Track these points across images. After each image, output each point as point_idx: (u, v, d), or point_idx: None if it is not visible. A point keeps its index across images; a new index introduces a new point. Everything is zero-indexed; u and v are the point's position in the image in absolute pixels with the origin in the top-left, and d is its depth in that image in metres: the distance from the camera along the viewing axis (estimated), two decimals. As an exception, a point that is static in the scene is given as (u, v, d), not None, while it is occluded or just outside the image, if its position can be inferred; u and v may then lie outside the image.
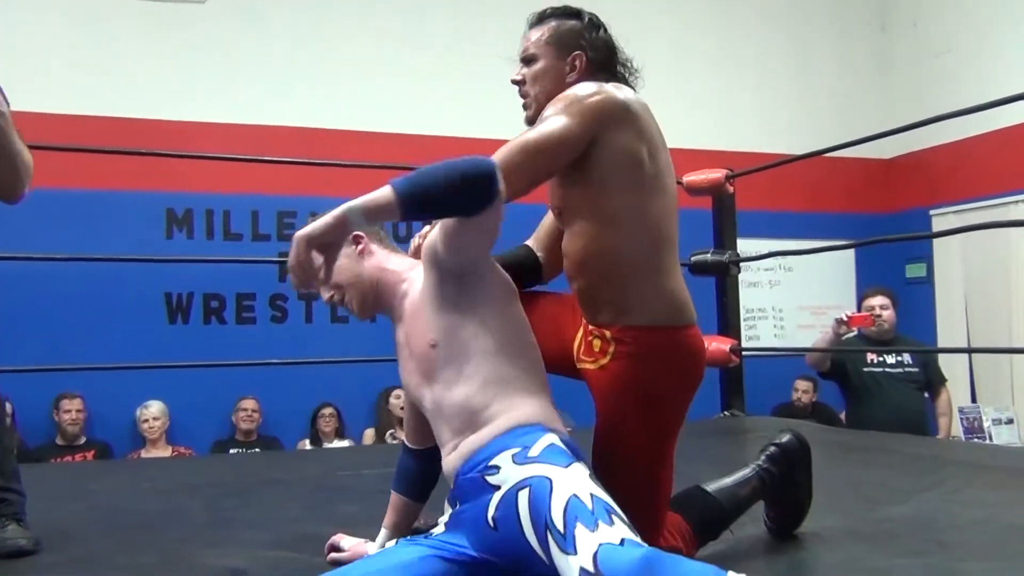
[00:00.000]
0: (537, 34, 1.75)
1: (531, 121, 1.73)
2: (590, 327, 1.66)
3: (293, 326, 5.40)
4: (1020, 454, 3.98)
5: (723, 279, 3.88)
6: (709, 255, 3.73)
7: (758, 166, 4.20)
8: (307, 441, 5.17)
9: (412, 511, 1.80)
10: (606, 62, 1.74)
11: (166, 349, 4.95)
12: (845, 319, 4.01)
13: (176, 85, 5.24)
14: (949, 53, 6.40)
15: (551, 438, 1.44)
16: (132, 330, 4.93)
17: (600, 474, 1.46)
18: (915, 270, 6.52)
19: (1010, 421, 5.60)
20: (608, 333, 1.61)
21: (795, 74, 6.72)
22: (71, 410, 4.73)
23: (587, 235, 1.62)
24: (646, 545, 1.21)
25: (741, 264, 3.87)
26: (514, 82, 1.78)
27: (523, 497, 1.34)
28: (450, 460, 1.53)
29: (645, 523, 1.44)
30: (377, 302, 1.68)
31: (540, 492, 1.33)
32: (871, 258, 6.57)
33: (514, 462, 1.41)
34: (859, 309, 4.29)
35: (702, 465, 2.30)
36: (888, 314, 4.17)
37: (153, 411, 4.91)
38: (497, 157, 1.49)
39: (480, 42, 5.44)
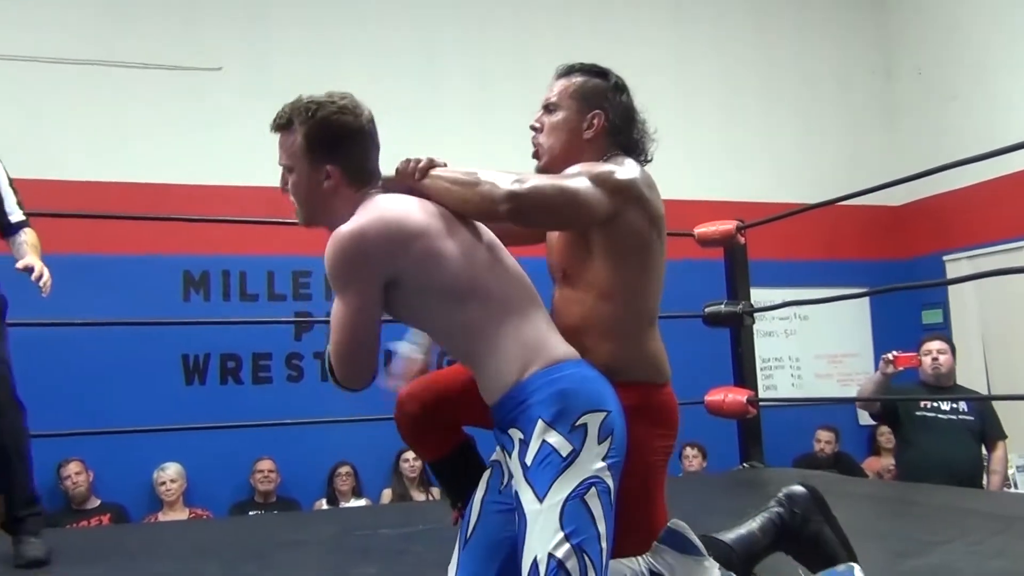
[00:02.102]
0: (563, 85, 1.81)
1: (539, 169, 1.79)
2: None
3: (309, 385, 5.40)
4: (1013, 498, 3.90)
5: (737, 330, 3.87)
6: (723, 306, 3.74)
7: (768, 217, 4.22)
8: (324, 501, 5.14)
9: None
10: (624, 127, 1.80)
11: (183, 410, 4.97)
12: (892, 358, 3.97)
13: (192, 150, 5.35)
14: (955, 100, 6.45)
15: (544, 431, 1.48)
16: (149, 391, 4.95)
17: None
18: (931, 316, 6.48)
19: (1037, 468, 5.49)
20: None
21: (803, 123, 6.78)
22: (70, 474, 4.70)
23: (585, 304, 1.68)
24: None
25: (755, 314, 3.87)
26: (532, 128, 1.83)
27: (519, 517, 1.50)
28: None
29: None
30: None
31: (521, 530, 1.48)
32: (887, 305, 6.55)
33: (519, 448, 1.52)
34: (918, 354, 4.22)
35: (721, 518, 2.27)
36: (945, 359, 4.10)
37: (170, 473, 4.91)
38: (530, 182, 1.55)
39: (494, 107, 5.57)
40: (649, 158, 1.84)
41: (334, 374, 1.59)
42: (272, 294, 5.43)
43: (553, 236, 1.79)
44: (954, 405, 4.07)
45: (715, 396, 3.59)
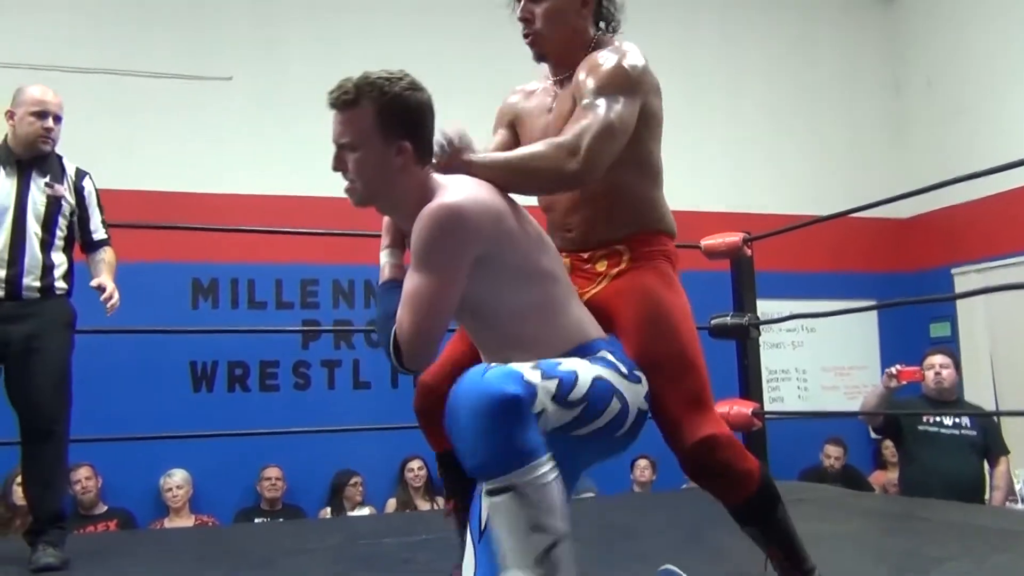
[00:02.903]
0: None
1: (541, 57, 1.90)
2: (588, 255, 1.86)
3: (316, 393, 5.43)
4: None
5: (743, 342, 3.87)
6: (729, 318, 3.74)
7: (775, 229, 4.23)
8: (328, 509, 5.15)
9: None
10: (605, 9, 1.94)
11: (191, 417, 4.98)
12: (895, 372, 3.96)
13: (203, 158, 5.38)
14: (965, 112, 6.45)
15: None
16: (158, 398, 4.98)
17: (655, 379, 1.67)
18: (939, 329, 6.46)
19: (1043, 483, 5.47)
20: (621, 246, 1.84)
21: (811, 135, 6.78)
22: (80, 479, 4.71)
23: (606, 179, 1.76)
24: None
25: (762, 326, 3.87)
26: (523, 20, 1.87)
27: None
28: None
29: (707, 406, 1.74)
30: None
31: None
32: (894, 318, 6.54)
33: None
34: (921, 367, 4.21)
35: (724, 531, 2.28)
36: (948, 373, 4.08)
37: (177, 480, 4.93)
38: (585, 141, 1.66)
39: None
40: (617, 25, 1.97)
41: (399, 353, 1.53)
42: (280, 302, 5.46)
43: None
44: (957, 420, 4.06)
45: (720, 409, 3.58)
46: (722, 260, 3.91)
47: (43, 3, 5.30)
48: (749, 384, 3.87)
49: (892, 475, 5.68)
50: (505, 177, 1.64)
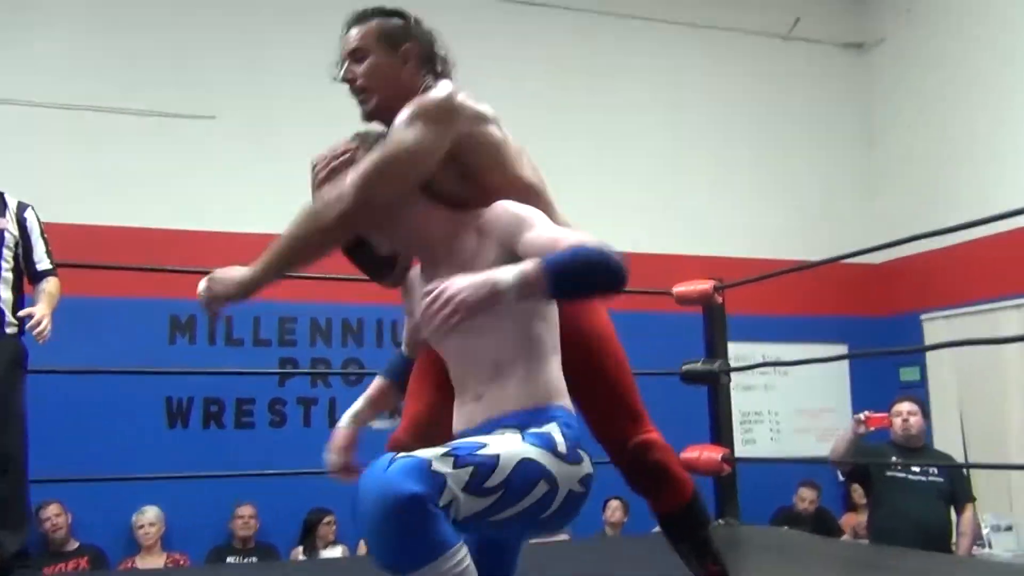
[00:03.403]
0: (363, 30, 1.83)
1: (372, 114, 1.83)
2: None
3: (292, 431, 5.44)
4: (1011, 570, 3.95)
5: (714, 388, 3.94)
6: (700, 364, 3.80)
7: (747, 277, 4.31)
8: (300, 548, 5.13)
9: (391, 395, 1.93)
10: (433, 55, 1.86)
11: (165, 453, 4.98)
12: (863, 418, 4.04)
13: (186, 195, 5.43)
14: (934, 162, 6.62)
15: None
16: (132, 434, 4.98)
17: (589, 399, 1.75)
18: (909, 374, 6.57)
19: (1009, 528, 5.54)
20: None
21: (787, 183, 6.92)
22: (49, 516, 4.67)
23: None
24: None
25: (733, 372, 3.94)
26: (347, 81, 1.84)
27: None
28: (468, 410, 1.65)
29: (640, 415, 1.86)
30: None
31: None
32: (865, 362, 6.64)
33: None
34: (889, 414, 4.30)
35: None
36: (916, 420, 4.16)
37: (149, 517, 4.91)
38: (352, 179, 1.65)
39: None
40: (448, 70, 1.90)
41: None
42: (257, 339, 5.48)
43: None
44: (924, 466, 4.14)
45: (690, 454, 3.64)
46: (694, 306, 3.99)
47: (26, 39, 5.36)
48: (720, 429, 3.93)
49: (862, 517, 5.74)
50: (279, 262, 1.69)
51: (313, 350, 5.55)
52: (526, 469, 1.46)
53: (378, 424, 1.86)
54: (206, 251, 5.14)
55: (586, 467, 1.55)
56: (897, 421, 4.15)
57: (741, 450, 5.34)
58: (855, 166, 7.18)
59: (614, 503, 5.55)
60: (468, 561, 1.38)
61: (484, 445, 1.45)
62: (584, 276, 1.52)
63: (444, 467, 1.38)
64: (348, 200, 1.64)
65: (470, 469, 1.40)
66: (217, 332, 5.41)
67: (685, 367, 3.78)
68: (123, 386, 4.92)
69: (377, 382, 1.97)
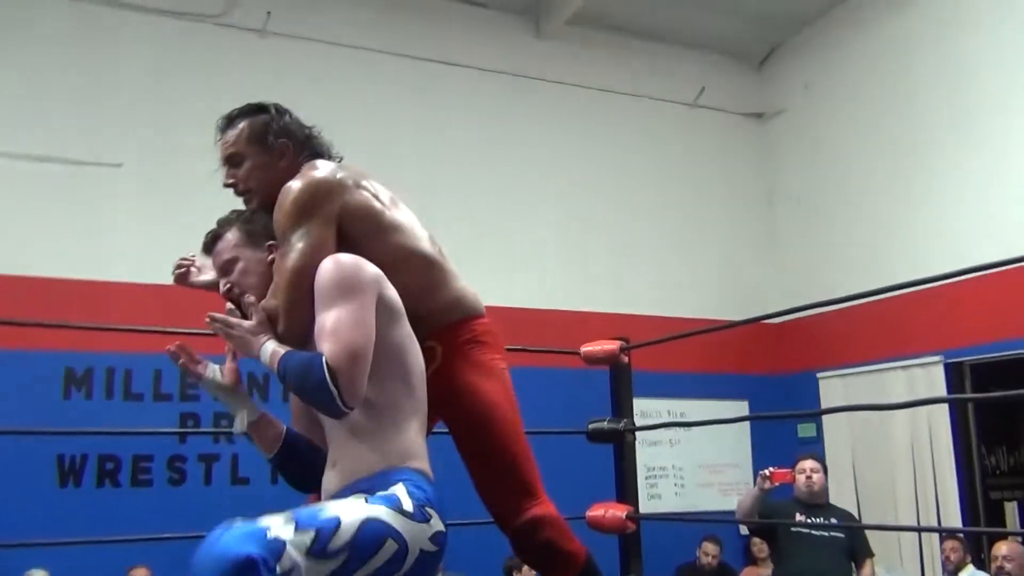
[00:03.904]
0: (234, 135, 1.89)
1: (262, 206, 1.87)
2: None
3: (191, 488, 5.26)
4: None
5: (620, 446, 4.00)
6: (606, 423, 3.86)
7: (653, 339, 4.39)
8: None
9: (274, 435, 1.83)
10: (305, 141, 1.93)
11: (56, 514, 4.76)
12: (768, 474, 4.19)
13: (88, 244, 5.28)
14: (828, 225, 6.97)
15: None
16: (20, 493, 4.74)
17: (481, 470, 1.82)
18: (806, 430, 6.81)
19: (899, 579, 5.77)
20: (432, 342, 1.88)
21: (690, 244, 7.16)
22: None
23: None
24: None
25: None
26: (227, 185, 1.90)
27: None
28: (327, 478, 1.69)
29: (532, 490, 1.90)
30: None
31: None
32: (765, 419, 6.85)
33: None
34: (792, 470, 4.45)
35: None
36: (818, 477, 4.36)
37: (35, 581, 4.66)
38: (276, 304, 1.73)
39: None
40: (336, 154, 1.97)
41: (339, 387, 1.54)
42: (158, 394, 5.31)
43: None
44: (826, 522, 4.30)
45: (596, 512, 3.67)
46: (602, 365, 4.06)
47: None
48: (625, 487, 3.99)
49: (763, 570, 5.88)
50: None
51: (216, 404, 5.40)
52: (371, 529, 1.48)
53: (238, 426, 1.81)
54: (107, 302, 5.01)
55: (435, 525, 1.57)
56: (801, 478, 4.31)
57: (647, 505, 5.44)
58: (757, 229, 7.48)
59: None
60: None
61: (325, 509, 1.48)
62: (297, 388, 1.64)
63: (284, 533, 1.40)
64: (285, 326, 1.70)
65: (311, 533, 1.42)
66: (115, 386, 5.23)
67: (591, 426, 3.83)
68: (11, 443, 4.70)
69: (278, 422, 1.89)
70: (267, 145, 1.87)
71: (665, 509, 6.49)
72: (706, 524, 6.22)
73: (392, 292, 1.70)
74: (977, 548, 5.34)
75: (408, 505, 1.54)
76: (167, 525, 4.51)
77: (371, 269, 1.67)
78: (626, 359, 4.01)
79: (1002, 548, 3.99)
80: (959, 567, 4.99)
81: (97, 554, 4.61)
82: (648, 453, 6.27)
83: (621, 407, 4.06)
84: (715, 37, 7.33)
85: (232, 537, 1.35)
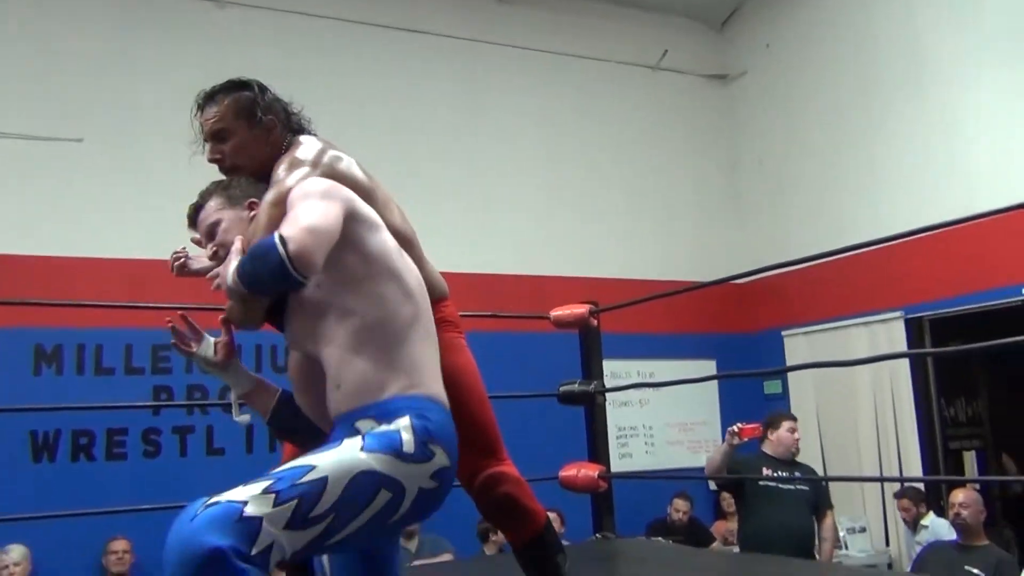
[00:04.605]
0: (219, 110, 1.86)
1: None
2: None
3: (167, 461, 5.29)
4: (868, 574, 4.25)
5: (591, 408, 4.08)
6: (576, 386, 3.93)
7: (620, 303, 4.47)
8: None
9: (269, 398, 1.76)
10: (288, 116, 1.94)
11: (30, 489, 4.77)
12: (737, 430, 4.31)
13: (52, 220, 5.23)
14: (792, 188, 7.07)
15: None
16: (-6, 469, 4.75)
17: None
18: (772, 387, 6.97)
19: (863, 530, 5.95)
20: None
21: (656, 207, 7.22)
22: None
23: None
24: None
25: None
26: (213, 161, 1.89)
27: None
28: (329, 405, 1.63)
29: (497, 453, 1.99)
30: None
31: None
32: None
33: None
34: (761, 425, 4.59)
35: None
36: (787, 436, 4.53)
37: (14, 556, 4.67)
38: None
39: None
40: (313, 129, 1.99)
41: (290, 257, 1.46)
42: (129, 368, 5.31)
43: None
44: (792, 476, 4.45)
45: (569, 472, 3.77)
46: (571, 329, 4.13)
47: None
48: (596, 447, 4.08)
49: (731, 524, 6.04)
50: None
51: (189, 377, 5.42)
52: (361, 483, 1.41)
53: (238, 416, 1.79)
54: (73, 278, 4.99)
55: (438, 461, 1.51)
56: (788, 436, 4.44)
57: (618, 464, 5.54)
58: (721, 190, 7.57)
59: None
60: None
61: (311, 468, 1.39)
62: (251, 273, 1.53)
63: (261, 508, 1.32)
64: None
65: (292, 504, 1.34)
66: (86, 361, 5.22)
67: (562, 388, 3.91)
68: (-17, 420, 4.70)
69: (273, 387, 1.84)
70: (255, 121, 1.87)
71: (636, 467, 6.62)
72: (676, 481, 6.38)
73: (367, 209, 1.66)
74: (937, 496, 5.53)
75: (409, 446, 1.48)
76: (144, 497, 4.53)
77: (344, 190, 1.64)
78: (595, 322, 4.08)
79: (959, 495, 4.14)
80: (916, 519, 5.20)
81: (75, 528, 4.65)
82: (618, 413, 6.37)
83: (591, 369, 4.14)
84: (676, -1, 7.36)
85: (200, 524, 1.28)
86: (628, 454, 6.71)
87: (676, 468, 6.66)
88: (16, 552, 4.68)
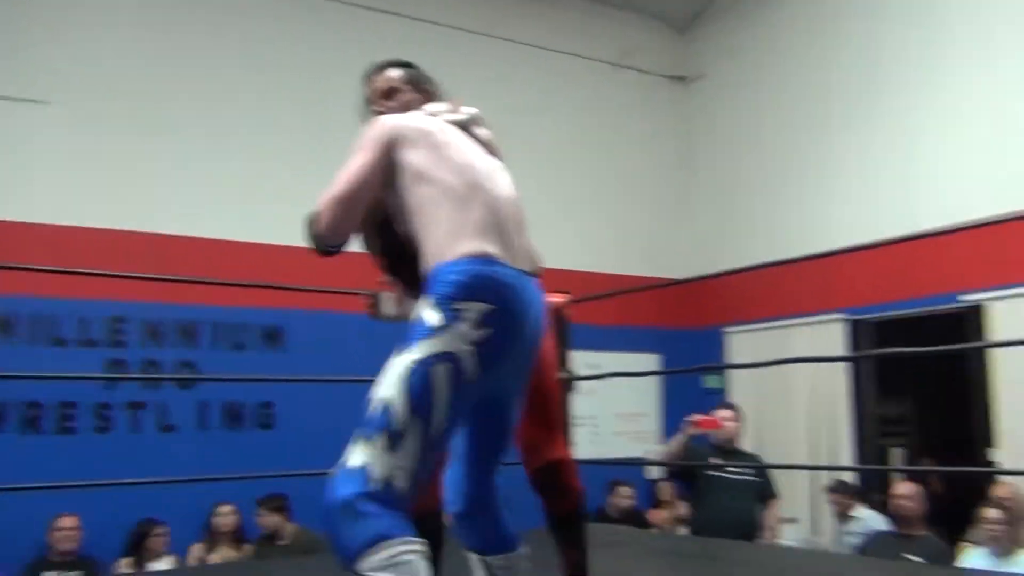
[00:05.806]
0: (394, 74, 2.24)
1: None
2: None
3: (118, 436, 5.18)
4: (801, 553, 4.48)
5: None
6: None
7: (582, 293, 4.60)
8: (126, 560, 4.89)
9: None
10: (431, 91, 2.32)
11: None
12: (694, 422, 4.53)
13: (11, 185, 5.06)
14: (741, 189, 7.29)
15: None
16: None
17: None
18: (711, 381, 7.19)
19: (794, 520, 6.21)
20: None
21: (610, 201, 7.34)
22: None
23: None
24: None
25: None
26: (378, 113, 2.13)
27: None
28: None
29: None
30: None
31: None
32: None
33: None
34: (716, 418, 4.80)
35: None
36: (732, 425, 4.77)
37: (-45, 531, 4.53)
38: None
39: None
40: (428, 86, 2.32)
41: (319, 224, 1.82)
42: (84, 339, 5.18)
43: None
44: (738, 464, 4.67)
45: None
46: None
47: None
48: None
49: (666, 513, 6.25)
50: None
51: (144, 351, 5.31)
52: (414, 379, 1.56)
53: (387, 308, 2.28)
54: (31, 244, 4.84)
55: (474, 311, 1.62)
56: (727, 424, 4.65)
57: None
58: (674, 190, 7.74)
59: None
60: (408, 554, 1.48)
61: (378, 400, 1.57)
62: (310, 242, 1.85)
63: (362, 459, 1.53)
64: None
65: (383, 435, 1.54)
66: (38, 331, 5.07)
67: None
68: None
69: None
70: (421, 89, 2.23)
71: (581, 456, 6.72)
72: (617, 470, 6.54)
73: (410, 156, 1.85)
74: (868, 492, 5.81)
75: (432, 318, 1.60)
76: (94, 473, 4.46)
77: (385, 126, 1.86)
78: (567, 312, 4.19)
79: (902, 488, 4.39)
80: (845, 511, 5.46)
81: (21, 504, 4.51)
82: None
83: (562, 358, 4.25)
84: (641, -1, 7.49)
85: (336, 479, 1.53)
86: (574, 443, 6.82)
87: (618, 458, 6.83)
88: (-40, 526, 4.54)
